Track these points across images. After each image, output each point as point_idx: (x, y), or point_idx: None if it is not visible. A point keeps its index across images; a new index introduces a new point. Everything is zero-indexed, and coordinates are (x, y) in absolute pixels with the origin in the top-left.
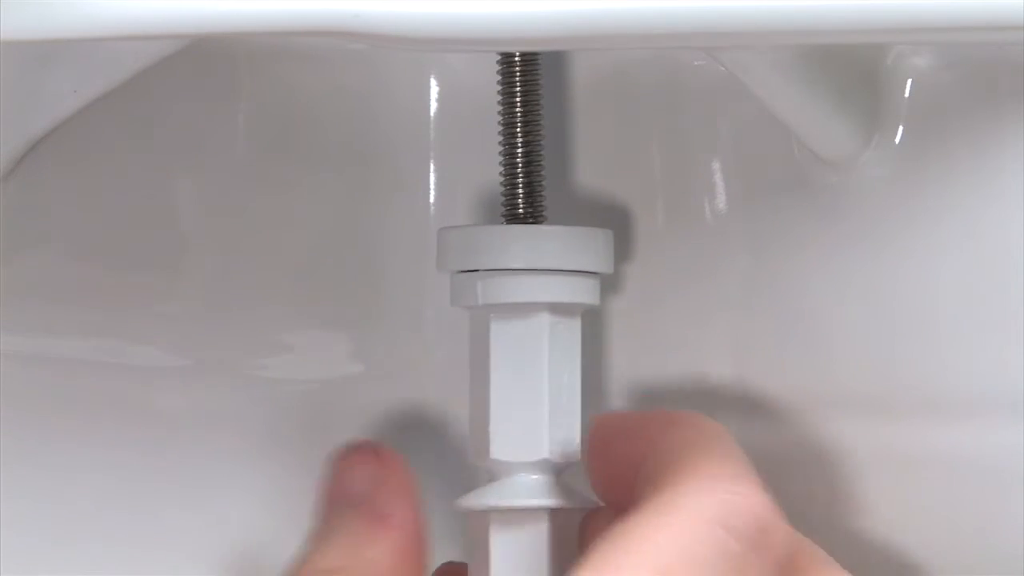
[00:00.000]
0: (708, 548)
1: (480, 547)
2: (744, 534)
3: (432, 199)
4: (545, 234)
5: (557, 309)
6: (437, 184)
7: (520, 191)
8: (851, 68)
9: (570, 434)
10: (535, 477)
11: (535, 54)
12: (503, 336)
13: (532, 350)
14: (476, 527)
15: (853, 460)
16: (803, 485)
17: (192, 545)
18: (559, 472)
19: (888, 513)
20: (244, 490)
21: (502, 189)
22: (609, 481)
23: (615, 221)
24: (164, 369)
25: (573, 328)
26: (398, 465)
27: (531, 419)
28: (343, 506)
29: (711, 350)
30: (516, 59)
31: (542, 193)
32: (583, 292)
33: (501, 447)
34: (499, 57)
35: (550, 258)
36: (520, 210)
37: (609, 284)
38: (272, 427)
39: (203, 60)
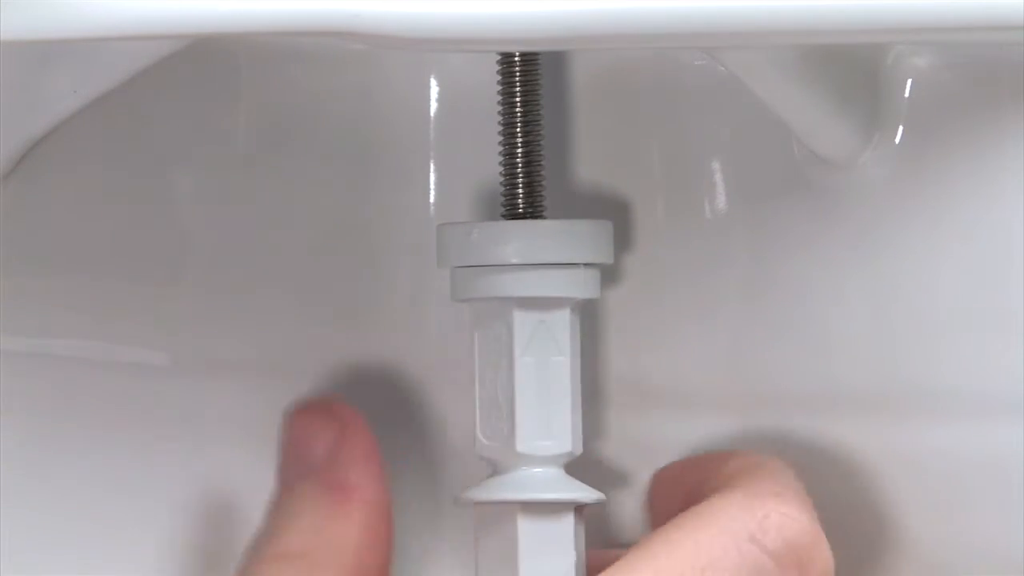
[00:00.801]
0: (739, 562)
1: (503, 540)
2: (778, 553)
3: (432, 199)
4: (561, 228)
5: (575, 303)
6: (437, 184)
7: (520, 191)
8: (851, 68)
9: (580, 427)
10: (556, 470)
11: (535, 54)
12: (526, 328)
13: (555, 342)
14: (495, 520)
15: (852, 460)
16: (802, 485)
17: (192, 545)
18: (568, 464)
19: (888, 513)
20: (245, 490)
21: (502, 189)
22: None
23: (615, 220)
24: (164, 369)
25: (577, 321)
26: (359, 425)
27: (557, 412)
28: (302, 474)
29: (710, 349)
30: (516, 59)
31: (542, 193)
32: (594, 286)
33: (527, 440)
34: (499, 57)
35: (571, 251)
36: (520, 208)
37: (608, 279)
38: (273, 426)
39: (203, 60)
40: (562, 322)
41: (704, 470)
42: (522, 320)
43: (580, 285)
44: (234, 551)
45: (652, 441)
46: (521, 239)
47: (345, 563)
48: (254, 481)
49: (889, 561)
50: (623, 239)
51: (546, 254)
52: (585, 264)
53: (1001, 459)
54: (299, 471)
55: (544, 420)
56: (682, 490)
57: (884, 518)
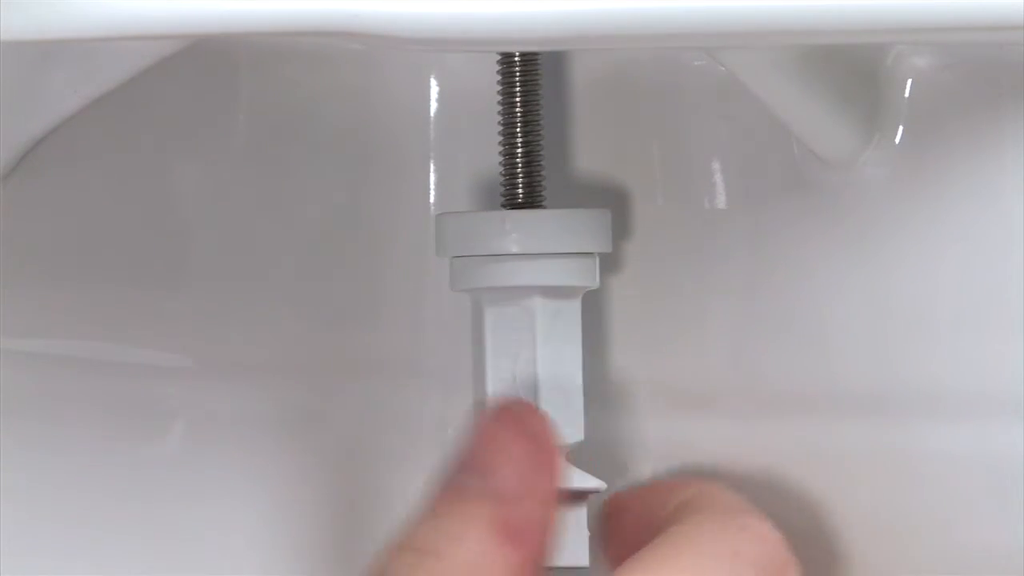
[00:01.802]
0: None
1: None
2: (758, 564)
3: (432, 199)
4: (564, 216)
5: (584, 292)
6: (437, 184)
7: (520, 191)
8: (851, 68)
9: (584, 417)
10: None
11: (535, 54)
12: (547, 317)
13: (569, 331)
14: None
15: (852, 460)
16: (801, 484)
17: (192, 545)
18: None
19: (887, 513)
20: (244, 489)
21: (502, 189)
22: (626, 553)
23: (615, 221)
24: (164, 369)
25: (580, 311)
26: (553, 463)
27: (572, 400)
28: (481, 494)
29: (710, 349)
30: (516, 59)
31: (542, 194)
32: (597, 275)
33: None
34: (499, 57)
35: (582, 241)
36: (520, 199)
37: (607, 276)
38: (273, 425)
39: (203, 60)
40: (575, 311)
41: (660, 497)
42: (544, 309)
43: (591, 274)
44: (233, 550)
45: (649, 435)
46: (528, 228)
47: None
48: (254, 481)
49: (888, 560)
50: (623, 239)
51: (553, 243)
52: (593, 253)
53: (1001, 459)
54: (479, 489)
55: (562, 409)
56: (637, 516)
57: (882, 518)
